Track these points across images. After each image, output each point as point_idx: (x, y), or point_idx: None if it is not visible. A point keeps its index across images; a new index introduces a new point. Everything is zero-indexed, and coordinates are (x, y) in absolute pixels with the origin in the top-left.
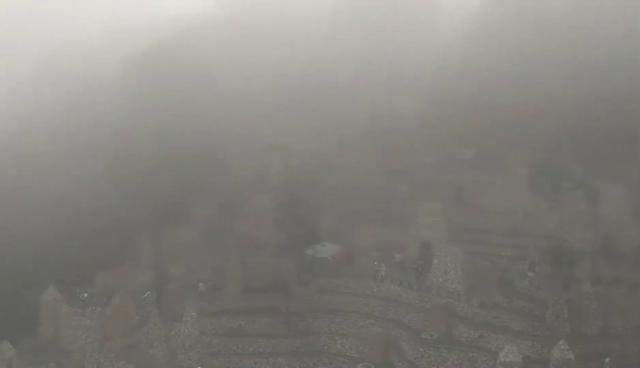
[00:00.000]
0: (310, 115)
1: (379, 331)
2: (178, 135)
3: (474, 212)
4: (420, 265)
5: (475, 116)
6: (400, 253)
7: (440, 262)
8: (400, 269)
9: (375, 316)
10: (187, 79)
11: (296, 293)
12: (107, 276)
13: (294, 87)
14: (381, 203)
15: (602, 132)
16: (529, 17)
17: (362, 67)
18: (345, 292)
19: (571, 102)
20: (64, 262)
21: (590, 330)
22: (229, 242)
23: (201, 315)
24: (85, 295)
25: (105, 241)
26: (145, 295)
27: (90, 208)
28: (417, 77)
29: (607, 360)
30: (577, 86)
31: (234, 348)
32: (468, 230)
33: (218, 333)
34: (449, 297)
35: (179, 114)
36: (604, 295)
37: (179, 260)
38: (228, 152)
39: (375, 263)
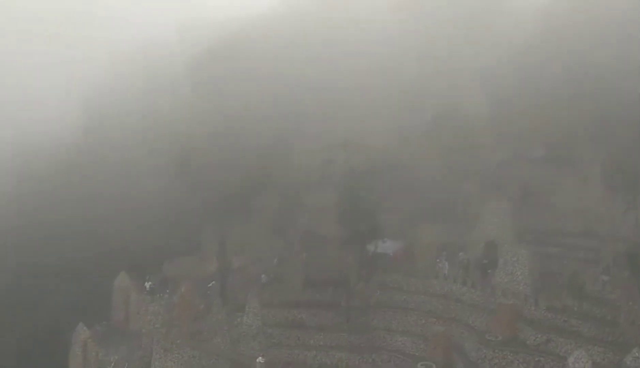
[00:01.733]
0: (375, 112)
1: (441, 330)
2: (245, 132)
3: (543, 212)
4: (485, 264)
5: (546, 113)
6: (464, 252)
7: (506, 262)
8: (464, 268)
9: (436, 315)
10: (254, 76)
11: (356, 289)
12: (174, 266)
13: (359, 84)
14: (445, 201)
15: None
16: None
17: (428, 64)
18: (406, 289)
19: None
20: (136, 252)
21: None
22: (292, 236)
23: (263, 307)
24: (150, 283)
25: (174, 233)
26: (210, 284)
27: (160, 201)
28: (485, 74)
29: None
30: None
31: (295, 340)
32: (537, 230)
33: (279, 324)
34: (515, 298)
35: (246, 110)
36: None
37: (243, 252)
38: (293, 148)
39: (438, 261)
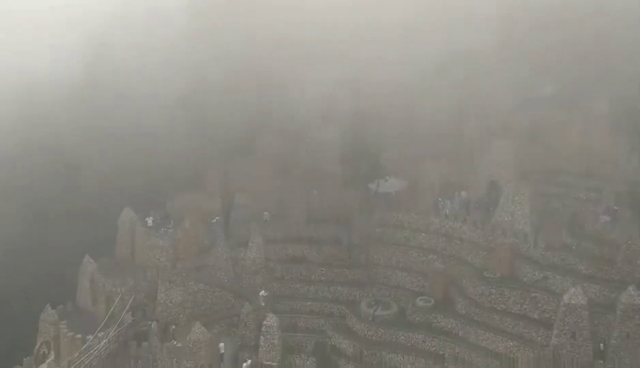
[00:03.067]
0: (382, 49)
1: (440, 267)
2: (249, 70)
3: (547, 153)
4: (487, 203)
5: (555, 53)
6: (466, 190)
7: (507, 201)
8: (465, 207)
9: (437, 252)
10: (257, 11)
11: (358, 226)
12: (178, 202)
13: (367, 21)
14: (451, 140)
15: None
16: None
17: (439, 2)
18: (407, 227)
19: None
20: (140, 188)
21: None
22: (295, 174)
23: (266, 242)
24: (151, 219)
25: (178, 170)
26: (214, 220)
27: (165, 138)
28: (495, 13)
29: None
30: None
31: (297, 275)
32: (540, 170)
33: (282, 260)
34: (515, 237)
35: (251, 46)
36: None
37: (246, 189)
38: (297, 86)
39: (440, 199)
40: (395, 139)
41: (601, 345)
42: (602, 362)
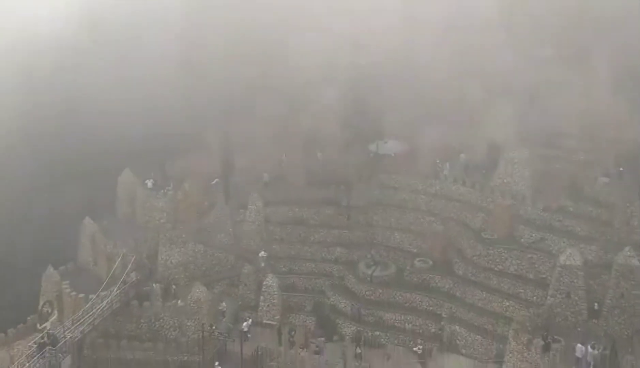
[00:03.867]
0: (382, 10)
1: (439, 228)
2: (248, 29)
3: (549, 114)
4: (486, 165)
5: (558, 14)
6: (465, 153)
7: (506, 163)
8: (465, 169)
9: (435, 214)
10: None
11: (358, 188)
12: (178, 163)
13: None
14: (451, 102)
15: None
16: None
17: None
18: (407, 189)
19: None
20: (141, 150)
21: None
22: (295, 136)
23: (266, 204)
24: (151, 181)
25: (178, 131)
26: (214, 182)
27: (165, 102)
28: None
29: None
30: None
31: (297, 236)
32: (540, 132)
33: (281, 222)
34: (513, 198)
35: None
36: None
37: (246, 152)
38: (297, 47)
39: (438, 161)
40: (395, 100)
41: (595, 304)
42: (596, 321)
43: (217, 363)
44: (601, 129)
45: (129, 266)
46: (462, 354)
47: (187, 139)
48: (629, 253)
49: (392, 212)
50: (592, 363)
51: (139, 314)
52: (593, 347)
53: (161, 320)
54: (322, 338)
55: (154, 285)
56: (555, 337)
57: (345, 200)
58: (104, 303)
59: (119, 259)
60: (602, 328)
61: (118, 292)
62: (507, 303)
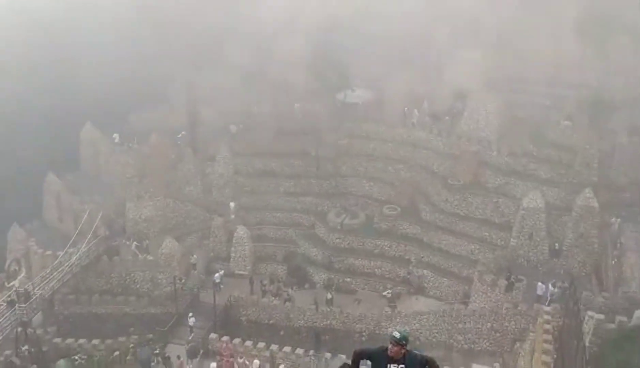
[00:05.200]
0: None
1: (407, 176)
2: None
3: (514, 58)
4: (453, 112)
5: None
6: (432, 100)
7: (472, 110)
8: (431, 116)
9: (403, 161)
10: None
11: (326, 138)
12: (142, 117)
13: None
14: (418, 50)
15: None
16: None
17: None
18: (375, 137)
19: None
20: (103, 102)
21: (620, 180)
22: (262, 86)
23: (234, 156)
24: (117, 135)
25: (141, 84)
26: (180, 135)
27: (127, 51)
28: None
29: None
30: None
31: (266, 187)
32: (505, 78)
33: (250, 173)
34: (479, 144)
35: None
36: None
37: (212, 103)
38: None
39: (406, 109)
40: (362, 49)
41: (556, 244)
42: (556, 260)
43: (190, 314)
44: (565, 74)
45: (97, 222)
46: (430, 296)
47: (152, 91)
48: (588, 194)
49: (360, 161)
50: (550, 299)
51: (110, 269)
52: (553, 285)
53: (132, 275)
54: (294, 288)
55: (126, 242)
56: (519, 276)
57: (314, 150)
58: (73, 259)
59: (86, 215)
60: (562, 267)
61: (87, 248)
62: (473, 247)
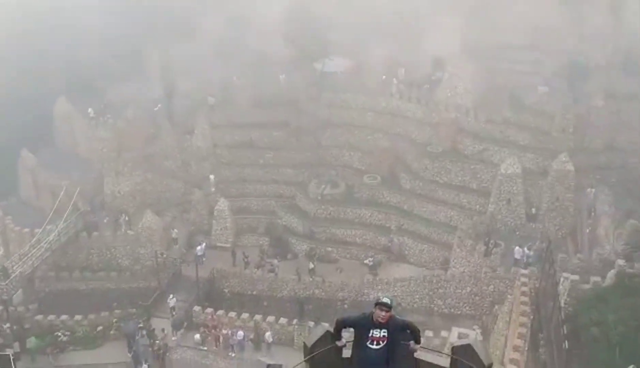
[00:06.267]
0: None
1: (386, 145)
2: None
3: (492, 26)
4: (431, 80)
5: None
6: (410, 68)
7: (451, 77)
8: (409, 85)
9: (383, 131)
10: None
11: (305, 108)
12: (118, 90)
13: None
14: (396, 17)
15: None
16: None
17: None
18: (354, 107)
19: None
20: (77, 76)
21: (595, 144)
22: (239, 56)
23: (212, 128)
24: (92, 109)
25: (116, 56)
26: (156, 108)
27: (99, 23)
28: None
29: None
30: None
31: (246, 159)
32: (484, 45)
33: (229, 145)
34: (457, 112)
35: None
36: (615, 110)
37: (189, 74)
38: None
39: (384, 77)
40: (340, 16)
41: (533, 209)
42: (533, 224)
43: (171, 296)
44: (543, 40)
45: (74, 198)
46: (410, 263)
47: (126, 64)
48: (564, 158)
49: (340, 131)
50: (527, 262)
51: (89, 245)
52: (529, 248)
53: (113, 250)
54: (276, 259)
55: (105, 219)
56: (497, 241)
57: (293, 120)
58: (52, 236)
59: (63, 192)
60: (539, 231)
61: (65, 224)
62: (452, 213)
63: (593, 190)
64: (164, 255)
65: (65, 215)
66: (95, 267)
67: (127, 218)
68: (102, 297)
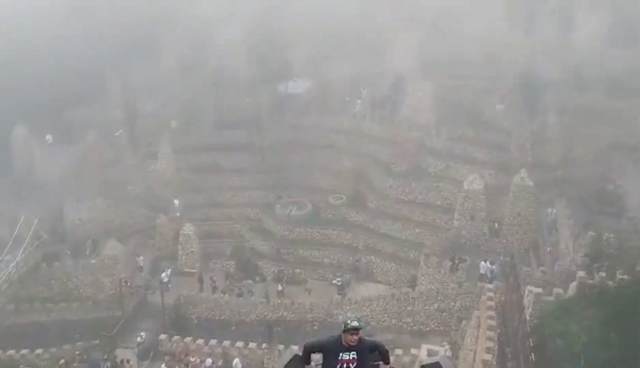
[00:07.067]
0: None
1: (351, 165)
2: None
3: (451, 41)
4: (393, 99)
5: None
6: (370, 87)
7: (411, 95)
8: (372, 104)
9: (347, 151)
10: None
11: (270, 129)
12: (77, 114)
13: None
14: (358, 35)
15: None
16: None
17: None
18: (318, 127)
19: None
20: (34, 103)
21: (552, 158)
22: (201, 77)
23: (176, 152)
24: (50, 136)
25: (74, 79)
26: (118, 133)
27: (57, 47)
28: None
29: None
30: None
31: (211, 183)
32: (443, 61)
33: (193, 169)
34: (419, 130)
35: None
36: (568, 125)
37: (150, 95)
38: None
39: (347, 99)
40: (301, 36)
41: (495, 224)
42: (496, 239)
43: (142, 333)
44: (499, 55)
45: (32, 227)
46: (378, 282)
47: (85, 87)
48: (523, 174)
49: (304, 151)
50: (492, 276)
51: (50, 275)
52: (492, 263)
53: (74, 280)
54: (250, 281)
55: (67, 250)
56: (462, 257)
57: (258, 142)
58: (10, 267)
59: (21, 221)
60: (503, 245)
61: (24, 255)
62: (418, 230)
63: (554, 210)
64: (128, 283)
65: (24, 246)
66: (56, 298)
67: (91, 243)
68: (65, 328)
